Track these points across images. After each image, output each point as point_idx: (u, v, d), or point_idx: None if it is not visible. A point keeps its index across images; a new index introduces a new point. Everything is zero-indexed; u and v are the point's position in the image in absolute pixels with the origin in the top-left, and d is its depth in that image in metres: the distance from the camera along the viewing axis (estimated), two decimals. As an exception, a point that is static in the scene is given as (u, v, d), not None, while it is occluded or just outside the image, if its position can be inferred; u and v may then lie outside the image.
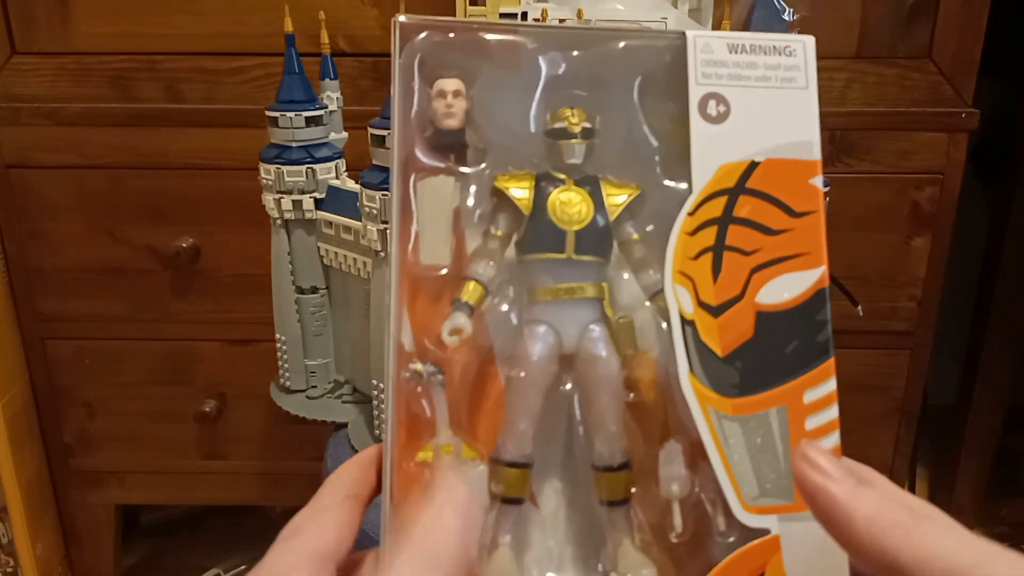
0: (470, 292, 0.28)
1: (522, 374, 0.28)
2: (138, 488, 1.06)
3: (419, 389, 0.27)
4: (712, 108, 0.28)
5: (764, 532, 0.26)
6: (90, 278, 0.96)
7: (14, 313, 0.97)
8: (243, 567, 1.11)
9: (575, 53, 0.29)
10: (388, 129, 0.64)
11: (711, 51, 0.28)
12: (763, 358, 0.27)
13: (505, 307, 0.29)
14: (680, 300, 0.27)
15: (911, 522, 0.21)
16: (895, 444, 1.01)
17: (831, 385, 0.27)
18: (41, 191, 0.93)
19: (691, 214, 0.27)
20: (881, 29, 0.87)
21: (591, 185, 0.29)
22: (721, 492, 0.26)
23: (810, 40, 0.28)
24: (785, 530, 0.26)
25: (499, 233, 0.29)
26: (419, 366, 0.27)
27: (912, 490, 1.17)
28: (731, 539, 0.26)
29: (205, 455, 1.04)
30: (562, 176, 0.29)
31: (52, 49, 0.89)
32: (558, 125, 0.29)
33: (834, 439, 0.26)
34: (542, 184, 0.29)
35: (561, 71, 0.29)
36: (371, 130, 0.65)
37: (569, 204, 0.28)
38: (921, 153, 0.90)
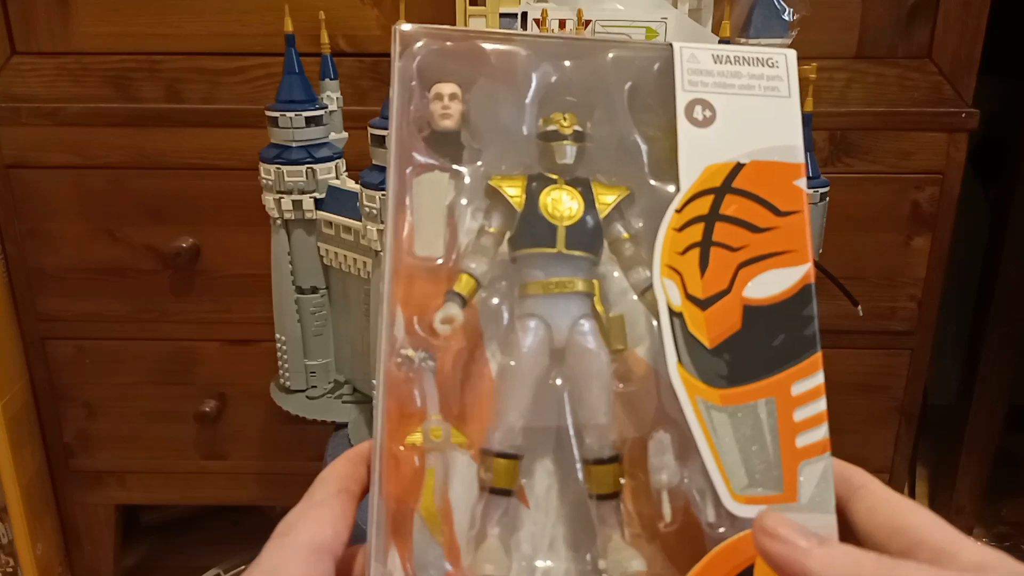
0: (463, 284, 0.29)
1: (513, 366, 0.28)
2: (138, 488, 1.06)
3: (410, 375, 0.28)
4: (698, 113, 0.29)
5: None
6: (90, 278, 0.96)
7: (14, 313, 0.97)
8: (243, 567, 1.11)
9: (567, 63, 0.30)
10: (388, 129, 0.64)
11: (696, 61, 0.29)
12: (751, 350, 0.27)
13: (496, 300, 0.29)
14: (668, 293, 0.28)
15: (880, 573, 0.22)
16: (895, 444, 1.01)
17: (819, 378, 0.27)
18: (41, 191, 0.93)
19: (679, 211, 0.28)
20: (881, 29, 0.87)
21: (582, 185, 0.30)
22: (711, 482, 0.26)
23: (792, 53, 0.30)
24: None
25: (492, 230, 0.29)
26: (411, 352, 0.28)
27: (912, 490, 1.17)
28: (721, 529, 0.27)
29: (205, 455, 1.04)
30: (554, 176, 0.30)
31: (52, 49, 0.89)
32: (550, 128, 0.29)
33: (822, 431, 0.27)
34: (534, 184, 0.29)
35: (554, 79, 0.30)
36: (371, 130, 0.65)
37: (560, 201, 0.29)
38: (921, 153, 0.90)
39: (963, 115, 0.88)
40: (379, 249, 0.65)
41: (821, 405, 0.27)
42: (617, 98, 0.30)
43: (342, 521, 0.26)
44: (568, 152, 0.29)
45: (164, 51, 0.89)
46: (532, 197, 0.29)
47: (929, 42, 0.87)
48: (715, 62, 0.29)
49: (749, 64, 0.29)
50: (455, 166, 0.30)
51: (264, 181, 0.72)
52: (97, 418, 1.02)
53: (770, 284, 0.28)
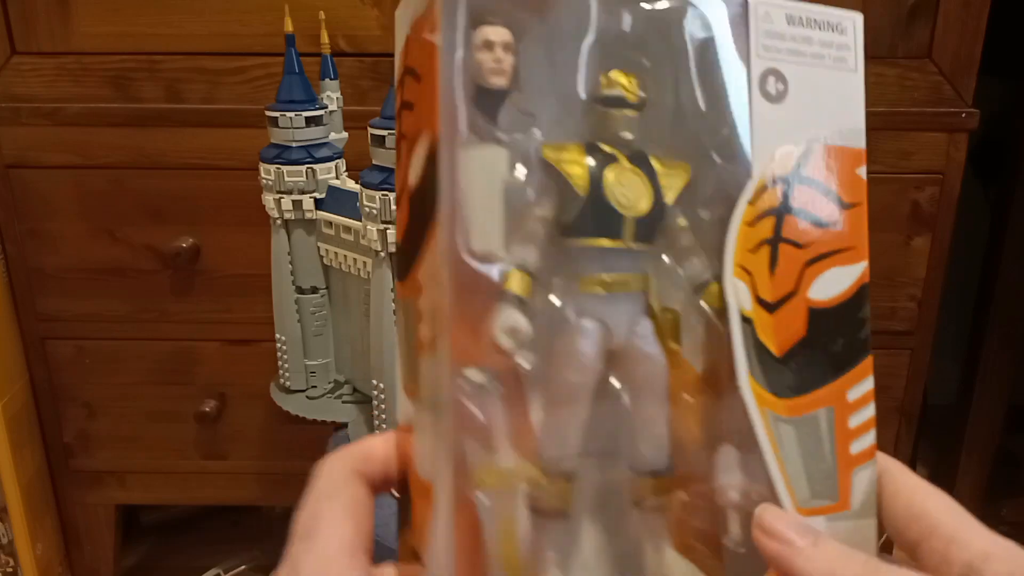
0: (517, 282, 0.24)
1: (569, 377, 0.25)
2: (138, 488, 1.06)
3: (477, 403, 0.23)
4: (771, 86, 0.26)
5: None
6: (90, 278, 0.96)
7: (14, 313, 0.97)
8: (243, 567, 1.11)
9: (633, 7, 0.25)
10: (388, 129, 0.64)
11: (771, 21, 0.26)
12: (814, 357, 0.26)
13: (555, 300, 0.25)
14: (739, 296, 0.25)
15: (864, 573, 0.22)
16: (895, 444, 1.01)
17: (870, 382, 0.26)
18: (41, 191, 0.93)
19: (751, 203, 0.25)
20: (881, 29, 0.87)
21: (642, 162, 0.25)
22: (776, 496, 0.25)
23: (859, 17, 0.27)
24: (832, 529, 0.25)
25: (544, 213, 0.25)
26: (477, 374, 0.23)
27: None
28: None
29: (205, 455, 1.04)
30: (612, 151, 0.25)
31: (52, 49, 0.89)
32: (614, 92, 0.25)
33: (872, 436, 0.26)
34: (593, 159, 0.25)
35: (616, 26, 0.25)
36: (371, 130, 0.65)
37: (626, 186, 0.25)
38: (921, 153, 0.90)
39: (963, 115, 0.88)
40: (379, 249, 0.65)
41: (871, 410, 0.26)
42: (682, 54, 0.26)
43: (362, 509, 0.24)
44: (633, 124, 0.25)
45: (164, 51, 0.89)
46: (596, 179, 0.24)
47: (929, 42, 0.87)
48: (788, 23, 0.26)
49: (820, 28, 0.26)
50: (509, 136, 0.24)
51: (264, 181, 0.72)
52: (97, 418, 1.02)
53: (832, 284, 0.26)
